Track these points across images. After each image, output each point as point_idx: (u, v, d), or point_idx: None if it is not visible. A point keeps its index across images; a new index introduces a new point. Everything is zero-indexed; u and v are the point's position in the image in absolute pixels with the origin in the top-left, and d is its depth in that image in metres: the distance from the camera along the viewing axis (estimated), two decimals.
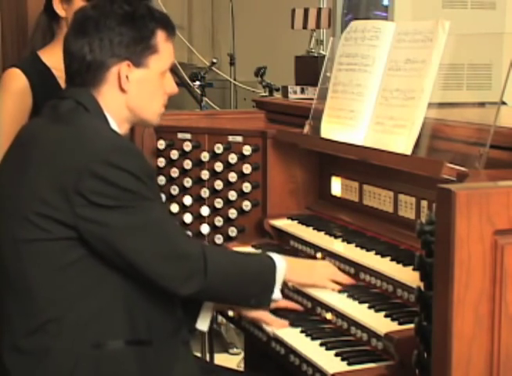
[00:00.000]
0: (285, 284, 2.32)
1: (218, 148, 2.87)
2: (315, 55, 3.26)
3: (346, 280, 2.31)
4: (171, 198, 2.96)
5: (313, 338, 2.14)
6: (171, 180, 2.96)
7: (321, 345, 2.10)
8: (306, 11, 3.23)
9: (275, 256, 2.28)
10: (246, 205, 2.84)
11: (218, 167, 2.88)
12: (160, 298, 2.13)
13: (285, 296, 2.35)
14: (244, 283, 2.22)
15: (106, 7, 2.14)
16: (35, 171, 2.04)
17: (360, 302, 2.17)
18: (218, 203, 2.89)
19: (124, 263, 2.04)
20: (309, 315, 2.30)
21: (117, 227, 2.00)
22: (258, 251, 2.62)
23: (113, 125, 2.17)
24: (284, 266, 2.25)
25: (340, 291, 2.26)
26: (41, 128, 2.15)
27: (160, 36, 2.18)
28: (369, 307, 2.13)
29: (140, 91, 2.17)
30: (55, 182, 1.99)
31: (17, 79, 2.87)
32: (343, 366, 1.97)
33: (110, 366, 2.06)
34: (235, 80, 5.36)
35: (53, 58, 2.94)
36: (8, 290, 2.12)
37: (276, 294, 2.24)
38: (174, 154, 2.96)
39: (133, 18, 2.14)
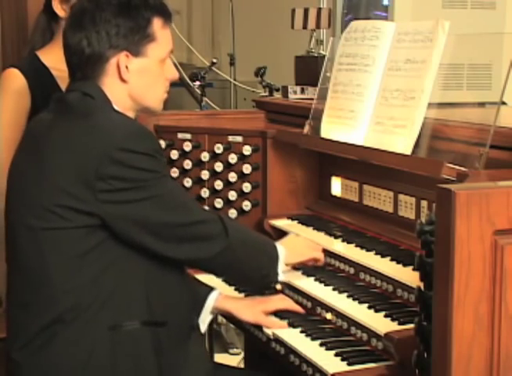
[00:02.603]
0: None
1: (218, 148, 2.87)
2: (315, 55, 3.25)
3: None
4: None
5: (313, 338, 2.15)
6: None
7: (321, 345, 2.10)
8: (306, 11, 3.22)
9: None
10: (246, 205, 2.84)
11: (218, 167, 2.88)
12: (176, 280, 2.18)
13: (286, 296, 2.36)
14: (256, 249, 2.29)
15: None
16: (51, 165, 2.07)
17: (360, 302, 2.17)
18: (218, 203, 2.89)
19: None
20: (309, 315, 2.30)
21: (138, 201, 2.05)
22: None
23: None
24: (283, 249, 2.32)
25: (340, 291, 2.26)
26: (51, 122, 2.16)
27: (157, 24, 2.17)
28: (369, 307, 2.13)
29: (141, 80, 2.18)
30: (75, 173, 2.02)
31: (15, 79, 2.87)
32: (343, 367, 1.97)
33: (127, 347, 2.07)
34: (235, 80, 5.35)
35: (52, 58, 2.94)
36: (25, 282, 2.12)
37: (281, 276, 2.31)
38: (174, 154, 2.96)
39: (128, 8, 2.14)
